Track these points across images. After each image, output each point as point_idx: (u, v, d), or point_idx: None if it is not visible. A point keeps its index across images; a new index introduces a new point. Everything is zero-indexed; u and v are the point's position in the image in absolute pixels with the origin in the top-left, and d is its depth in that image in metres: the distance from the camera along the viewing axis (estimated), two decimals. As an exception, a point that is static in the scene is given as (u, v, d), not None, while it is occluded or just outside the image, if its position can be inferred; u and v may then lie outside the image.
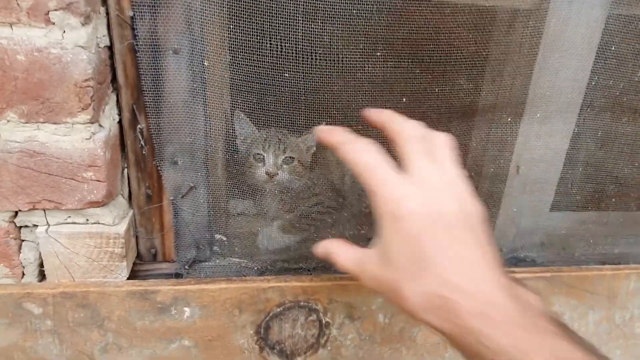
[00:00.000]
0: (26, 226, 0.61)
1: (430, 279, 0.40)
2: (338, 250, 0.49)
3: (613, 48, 0.68)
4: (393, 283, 0.42)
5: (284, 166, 0.78)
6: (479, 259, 0.41)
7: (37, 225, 0.61)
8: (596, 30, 0.68)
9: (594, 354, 0.37)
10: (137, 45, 0.58)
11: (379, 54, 0.63)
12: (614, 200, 0.80)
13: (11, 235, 0.60)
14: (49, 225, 0.61)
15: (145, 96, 0.60)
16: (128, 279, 0.66)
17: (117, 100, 0.61)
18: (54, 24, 0.52)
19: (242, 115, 0.75)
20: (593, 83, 0.71)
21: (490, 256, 0.42)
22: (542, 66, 0.69)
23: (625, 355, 0.80)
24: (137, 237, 0.69)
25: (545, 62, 0.68)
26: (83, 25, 0.52)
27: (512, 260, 0.80)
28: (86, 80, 0.54)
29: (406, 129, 0.48)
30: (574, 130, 0.74)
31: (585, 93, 0.71)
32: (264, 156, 0.77)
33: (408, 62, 0.65)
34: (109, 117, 0.60)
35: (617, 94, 0.72)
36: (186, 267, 0.70)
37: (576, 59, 0.69)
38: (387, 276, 0.43)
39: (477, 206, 0.45)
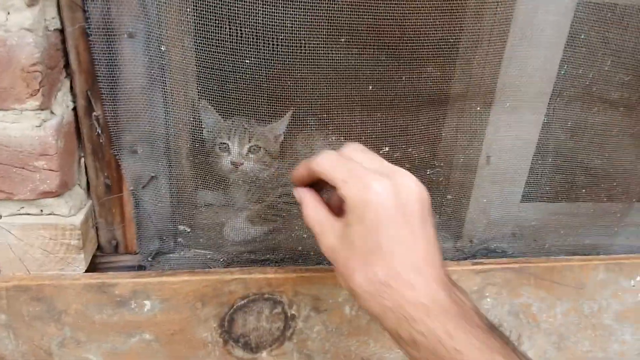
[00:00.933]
0: (-24, 217, 0.59)
1: (379, 266, 0.43)
2: (310, 204, 0.50)
3: (582, 36, 0.68)
4: (346, 260, 0.45)
5: (250, 155, 0.77)
6: (426, 255, 0.44)
7: (-12, 217, 0.59)
8: (566, 17, 0.67)
9: (515, 351, 0.41)
10: (89, 28, 0.55)
11: (343, 39, 0.62)
12: (584, 191, 0.80)
13: (-40, 227, 0.58)
14: (0, 216, 0.59)
15: (100, 82, 0.58)
16: (88, 271, 0.64)
17: (71, 87, 0.59)
18: (-4, 5, 0.49)
19: (206, 104, 0.73)
20: (562, 72, 0.70)
21: (435, 253, 0.45)
22: (511, 54, 0.67)
23: (593, 347, 0.80)
24: (97, 229, 0.67)
25: (514, 51, 0.67)
26: (28, 6, 0.50)
27: (483, 251, 0.80)
28: (33, 64, 0.52)
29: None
30: (544, 120, 0.74)
31: (555, 82, 0.71)
32: (228, 145, 0.75)
33: (374, 48, 0.63)
34: (62, 104, 0.58)
35: (587, 83, 0.71)
36: (149, 259, 0.69)
37: (545, 48, 0.68)
38: (343, 252, 0.45)
39: (428, 200, 0.47)
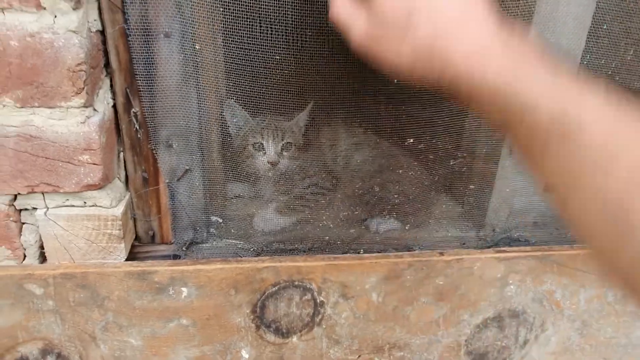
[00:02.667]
0: (26, 209, 0.63)
1: (422, 30, 0.40)
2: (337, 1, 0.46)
3: (605, 27, 0.68)
4: (384, 41, 0.42)
5: (284, 153, 0.79)
6: (473, 13, 0.40)
7: (37, 208, 0.62)
8: (588, 8, 0.67)
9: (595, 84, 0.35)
10: (128, 29, 0.58)
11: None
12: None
13: (11, 218, 0.62)
14: (47, 208, 0.63)
15: (138, 80, 0.61)
16: (126, 260, 0.68)
17: (111, 85, 0.62)
18: (44, 8, 0.52)
19: (233, 103, 0.75)
20: (585, 63, 0.71)
21: (483, 11, 0.40)
22: (534, 45, 0.69)
23: (616, 333, 0.81)
24: (134, 220, 0.70)
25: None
26: (74, 9, 0.53)
27: (505, 240, 0.81)
28: (79, 64, 0.55)
29: None
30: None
31: (577, 72, 0.71)
32: (263, 145, 0.78)
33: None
34: (103, 101, 0.61)
35: (609, 73, 0.72)
36: (184, 248, 0.72)
37: (568, 39, 0.69)
38: (377, 34, 0.43)
39: None
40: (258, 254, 0.74)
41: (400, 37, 0.41)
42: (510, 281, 0.74)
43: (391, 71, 0.43)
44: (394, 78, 0.44)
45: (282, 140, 0.78)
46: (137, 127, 0.64)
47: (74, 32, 0.54)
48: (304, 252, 0.74)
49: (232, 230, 0.74)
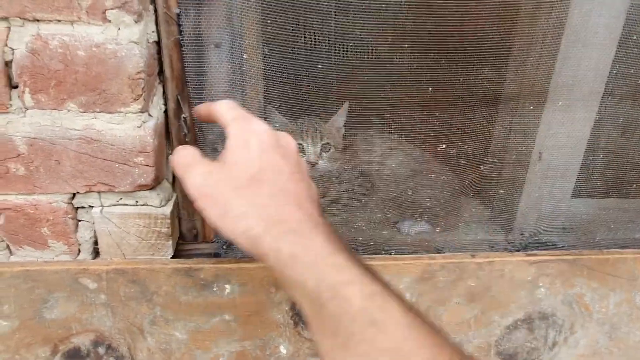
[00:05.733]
0: (82, 207, 0.67)
1: (264, 189, 0.45)
2: (180, 148, 0.51)
3: (635, 37, 0.71)
4: (222, 189, 0.46)
5: (323, 154, 0.82)
6: (307, 192, 0.47)
7: (93, 207, 0.66)
8: (618, 20, 0.70)
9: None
10: (182, 40, 0.62)
11: (406, 45, 0.67)
12: (634, 186, 0.82)
13: (69, 216, 0.66)
14: (102, 206, 0.67)
15: (189, 87, 0.65)
16: (172, 257, 0.72)
17: (164, 92, 0.66)
18: (110, 21, 0.57)
19: (272, 109, 0.79)
20: (614, 72, 0.73)
21: (314, 193, 0.48)
22: (564, 56, 0.71)
23: (645, 337, 0.82)
24: (180, 219, 0.74)
25: (567, 52, 0.71)
26: (136, 22, 0.57)
27: (534, 244, 0.83)
28: (138, 72, 0.59)
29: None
30: (596, 118, 0.77)
31: (607, 82, 0.74)
32: (303, 146, 0.81)
33: (434, 53, 0.68)
34: (157, 106, 0.65)
35: (639, 82, 0.74)
36: (224, 247, 0.75)
37: (598, 49, 0.71)
38: (218, 183, 0.46)
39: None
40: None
41: (242, 191, 0.44)
42: (541, 284, 0.76)
43: (214, 217, 0.45)
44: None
45: (321, 141, 0.82)
46: (186, 132, 0.68)
47: (135, 43, 0.58)
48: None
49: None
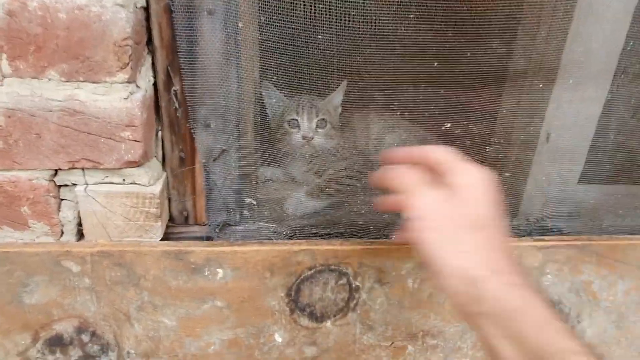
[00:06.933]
0: (65, 185, 0.62)
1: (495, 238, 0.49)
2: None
3: (650, 12, 0.67)
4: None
5: (319, 130, 0.80)
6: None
7: (76, 184, 0.62)
8: (633, -8, 0.66)
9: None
10: (172, 5, 0.58)
11: (412, 16, 0.63)
12: (645, 170, 0.79)
13: (51, 194, 0.62)
14: (87, 184, 0.62)
15: (180, 58, 0.61)
16: (161, 240, 0.68)
17: (152, 62, 0.62)
18: (93, -19, 0.52)
19: (269, 84, 0.76)
20: (628, 48, 0.70)
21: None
22: (576, 31, 0.68)
23: (653, 326, 0.80)
24: (169, 200, 0.70)
25: (579, 27, 0.67)
26: (122, -17, 0.53)
27: (539, 230, 0.80)
28: (125, 39, 0.55)
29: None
30: (607, 97, 0.73)
31: (620, 59, 0.70)
32: (298, 121, 0.78)
33: (441, 24, 0.64)
34: (145, 78, 0.61)
35: (653, 58, 0.71)
36: (216, 230, 0.71)
37: (611, 24, 0.68)
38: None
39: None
40: (290, 238, 0.73)
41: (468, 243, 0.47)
42: (548, 270, 0.73)
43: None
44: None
45: (317, 116, 0.79)
46: (177, 106, 0.64)
47: (121, 5, 0.54)
48: (336, 236, 0.73)
49: (266, 213, 0.74)
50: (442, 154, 0.51)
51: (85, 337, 0.67)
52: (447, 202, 0.48)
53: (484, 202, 0.48)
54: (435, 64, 0.67)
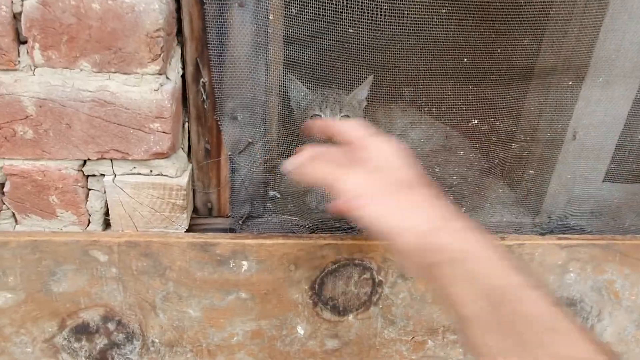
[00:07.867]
0: (93, 175, 0.63)
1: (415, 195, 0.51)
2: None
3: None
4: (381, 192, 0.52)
5: None
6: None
7: (104, 175, 0.62)
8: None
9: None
10: (204, -4, 0.58)
11: (444, 11, 0.62)
12: (671, 170, 0.79)
13: (79, 184, 0.62)
14: (115, 175, 0.63)
15: (209, 49, 0.60)
16: (186, 231, 0.68)
17: (182, 54, 0.62)
18: (127, -29, 0.52)
19: (293, 78, 0.75)
20: (660, 46, 0.68)
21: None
22: (608, 28, 0.66)
23: (673, 326, 0.80)
24: (194, 191, 0.70)
25: (612, 24, 0.66)
26: (155, -27, 0.52)
27: (561, 228, 0.80)
28: (157, 30, 0.54)
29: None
30: (636, 96, 0.72)
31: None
32: (321, 117, 0.77)
33: (473, 20, 0.63)
34: (175, 69, 0.61)
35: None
36: (240, 222, 0.72)
37: (643, 21, 0.67)
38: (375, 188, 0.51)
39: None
40: (313, 231, 0.73)
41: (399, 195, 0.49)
42: (571, 269, 0.73)
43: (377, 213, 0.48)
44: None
45: (340, 112, 0.78)
46: (205, 98, 0.64)
47: (154, -4, 0.53)
48: (359, 231, 0.73)
49: (289, 206, 0.74)
50: (353, 133, 0.53)
51: (111, 326, 0.68)
52: (370, 174, 0.50)
53: (401, 166, 0.51)
54: (465, 59, 0.67)
